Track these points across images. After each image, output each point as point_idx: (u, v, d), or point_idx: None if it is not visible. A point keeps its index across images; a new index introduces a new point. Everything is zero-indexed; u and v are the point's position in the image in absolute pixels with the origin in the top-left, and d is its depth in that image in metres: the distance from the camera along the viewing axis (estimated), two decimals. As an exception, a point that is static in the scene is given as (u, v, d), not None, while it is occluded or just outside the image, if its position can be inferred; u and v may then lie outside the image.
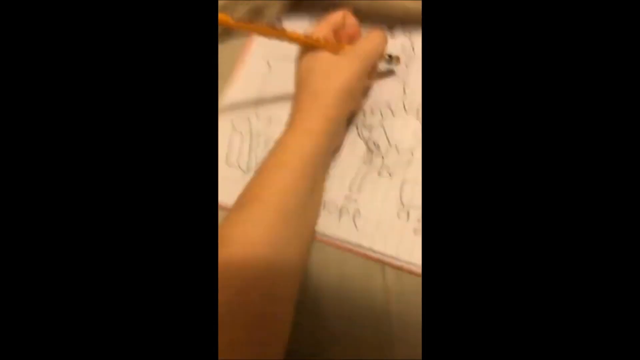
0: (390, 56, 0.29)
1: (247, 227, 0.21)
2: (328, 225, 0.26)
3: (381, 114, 0.29)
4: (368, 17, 0.32)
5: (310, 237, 0.25)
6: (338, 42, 0.27)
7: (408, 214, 0.25)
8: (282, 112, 0.31)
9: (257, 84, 0.33)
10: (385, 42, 0.28)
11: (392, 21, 0.31)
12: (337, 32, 0.27)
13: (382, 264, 0.25)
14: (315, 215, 0.26)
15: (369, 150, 0.28)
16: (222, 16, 0.23)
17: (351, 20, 0.28)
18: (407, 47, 0.30)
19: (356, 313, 0.25)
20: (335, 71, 0.25)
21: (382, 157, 0.27)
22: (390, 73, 0.30)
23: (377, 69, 0.29)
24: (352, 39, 0.28)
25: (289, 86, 0.32)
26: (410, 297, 0.24)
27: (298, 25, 0.34)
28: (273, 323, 0.21)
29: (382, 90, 0.29)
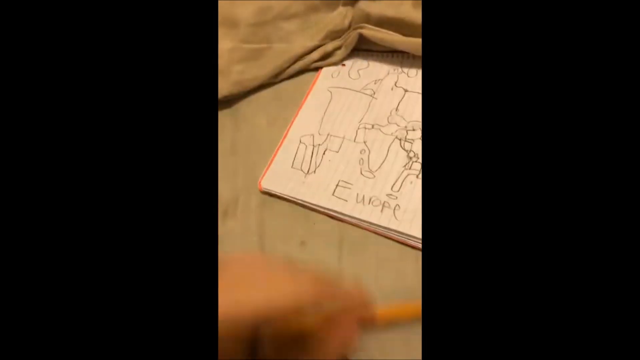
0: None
1: None
2: (372, 215, 0.32)
3: (420, 131, 0.35)
4: (414, 61, 0.40)
5: None
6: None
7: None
8: (338, 129, 0.39)
9: (321, 108, 0.41)
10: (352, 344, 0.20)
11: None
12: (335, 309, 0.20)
13: (417, 250, 0.30)
14: None
15: (409, 158, 0.34)
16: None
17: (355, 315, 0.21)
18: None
19: (391, 289, 0.29)
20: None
21: (421, 164, 0.33)
22: None
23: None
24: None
25: (344, 110, 0.40)
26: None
27: (358, 65, 0.43)
28: None
29: (418, 110, 0.36)
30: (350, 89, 0.41)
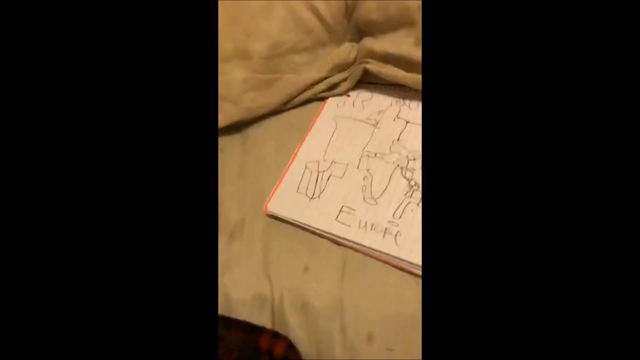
0: None
1: None
2: (375, 242, 0.33)
3: (421, 161, 0.37)
4: (417, 94, 0.42)
5: None
6: None
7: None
8: (342, 157, 0.41)
9: (327, 135, 0.43)
10: None
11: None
12: None
13: (416, 277, 0.31)
14: None
15: (410, 187, 0.35)
16: None
17: None
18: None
19: (390, 315, 0.30)
20: None
21: (422, 193, 0.35)
22: None
23: None
24: None
25: (349, 138, 0.42)
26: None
27: (362, 96, 0.45)
28: None
29: (419, 140, 0.38)
30: (354, 119, 0.43)
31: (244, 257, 0.37)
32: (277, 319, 0.33)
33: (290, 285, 0.34)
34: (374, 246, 0.33)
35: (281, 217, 0.38)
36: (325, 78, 0.45)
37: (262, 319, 0.33)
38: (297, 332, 0.32)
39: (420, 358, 0.28)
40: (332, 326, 0.31)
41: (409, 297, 0.30)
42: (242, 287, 0.35)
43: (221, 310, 0.34)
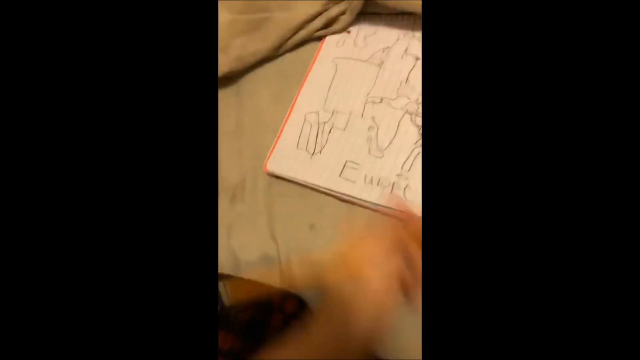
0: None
1: None
2: (382, 197, 0.31)
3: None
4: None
5: None
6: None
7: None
8: (344, 105, 0.37)
9: (326, 81, 0.39)
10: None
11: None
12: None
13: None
14: None
15: (420, 134, 0.32)
16: None
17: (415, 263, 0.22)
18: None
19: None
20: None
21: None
22: None
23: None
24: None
25: (351, 82, 0.38)
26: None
27: (364, 31, 0.39)
28: None
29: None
30: (356, 59, 0.38)
31: (248, 219, 0.36)
32: (286, 277, 0.33)
33: (296, 244, 0.33)
34: (381, 202, 0.30)
35: (282, 176, 0.36)
36: (321, 12, 0.39)
37: (270, 279, 0.33)
38: (306, 290, 0.32)
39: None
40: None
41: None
42: (249, 248, 0.35)
43: (230, 272, 0.35)
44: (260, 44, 0.41)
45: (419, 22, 0.37)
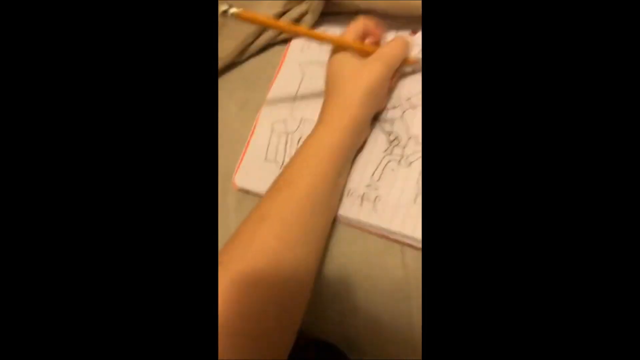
0: (413, 60, 0.31)
1: (282, 207, 0.25)
2: (351, 209, 0.29)
3: (402, 109, 0.31)
4: (393, 21, 0.35)
5: (330, 224, 0.28)
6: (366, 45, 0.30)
7: (424, 198, 0.27)
8: (313, 113, 0.35)
9: (292, 88, 0.37)
10: (408, 48, 0.30)
11: (416, 24, 0.34)
12: (361, 37, 0.30)
13: (400, 244, 0.28)
14: (337, 204, 0.29)
15: (390, 142, 0.30)
16: (247, 13, 0.24)
17: (371, 25, 0.31)
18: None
19: (377, 287, 0.28)
20: (361, 74, 0.27)
21: (403, 148, 0.30)
22: (414, 72, 0.32)
23: (400, 73, 0.32)
24: (375, 43, 0.31)
25: (318, 88, 0.36)
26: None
27: (330, 33, 0.38)
28: (301, 289, 0.25)
29: (403, 86, 0.32)
30: (323, 64, 0.36)
31: (219, 239, 0.34)
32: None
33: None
34: (350, 215, 0.29)
35: (251, 191, 0.34)
36: (283, 14, 0.37)
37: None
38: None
39: (407, 326, 0.27)
40: (317, 299, 0.29)
41: (394, 266, 0.28)
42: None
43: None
44: (221, 50, 0.38)
45: (384, 21, 0.35)
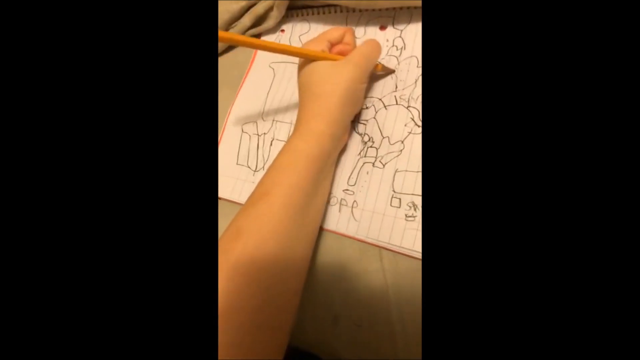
0: (384, 67, 0.30)
1: (258, 221, 0.23)
2: (329, 217, 0.29)
3: (374, 108, 0.30)
4: (361, 16, 0.33)
5: (315, 232, 0.27)
6: (334, 54, 0.28)
7: (400, 200, 0.27)
8: (284, 113, 0.34)
9: (263, 88, 0.35)
10: (379, 50, 0.29)
11: (384, 19, 0.33)
12: (333, 45, 0.29)
13: (379, 248, 0.27)
14: (319, 212, 0.27)
15: (364, 143, 0.30)
16: (224, 33, 0.24)
17: (350, 38, 0.29)
18: (399, 44, 0.31)
19: (356, 293, 0.28)
20: (337, 76, 0.26)
21: (377, 149, 0.29)
22: (386, 75, 0.31)
23: (372, 74, 0.30)
24: (346, 53, 0.29)
25: (290, 88, 0.35)
26: (406, 276, 0.26)
27: (298, 30, 0.36)
28: (280, 310, 0.23)
29: (375, 87, 0.31)
30: (294, 62, 0.35)
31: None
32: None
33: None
34: (330, 226, 0.28)
35: (224, 198, 0.33)
36: (247, 9, 0.35)
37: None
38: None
39: (388, 333, 0.27)
40: (298, 307, 0.28)
41: (373, 270, 0.28)
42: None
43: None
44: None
45: (353, 16, 0.34)
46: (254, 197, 0.25)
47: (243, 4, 0.35)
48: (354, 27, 0.33)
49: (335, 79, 0.26)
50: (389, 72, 0.30)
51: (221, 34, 0.24)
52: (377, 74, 0.31)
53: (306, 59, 0.28)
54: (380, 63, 0.30)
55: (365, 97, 0.31)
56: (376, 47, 0.29)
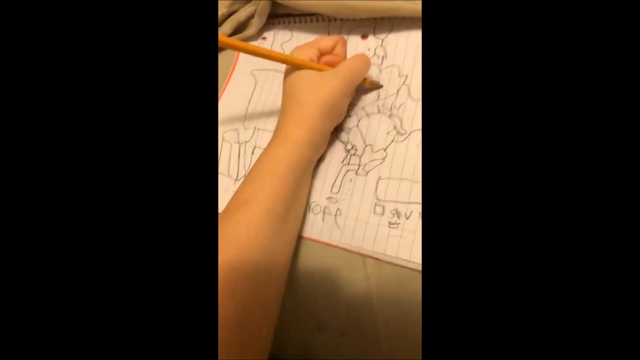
0: (372, 81, 0.30)
1: (237, 230, 0.23)
2: (313, 226, 0.28)
3: (357, 117, 0.31)
4: (343, 25, 0.34)
5: (294, 238, 0.27)
6: (322, 64, 0.28)
7: (383, 208, 0.27)
8: (266, 121, 0.33)
9: (244, 95, 0.35)
10: (368, 65, 0.29)
11: (366, 28, 0.33)
12: (323, 54, 0.29)
13: (364, 257, 0.27)
14: (298, 218, 0.27)
15: (347, 151, 0.30)
16: (224, 38, 0.24)
17: (341, 49, 0.29)
18: (380, 53, 0.32)
19: (340, 301, 0.27)
20: (321, 87, 0.26)
21: (359, 157, 0.29)
22: (374, 89, 0.31)
23: (359, 88, 0.30)
24: (335, 64, 0.29)
25: (272, 96, 0.34)
26: (390, 283, 0.26)
27: (280, 37, 0.36)
28: (260, 319, 0.23)
29: (358, 95, 0.31)
30: (275, 70, 0.34)
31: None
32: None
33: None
34: (313, 235, 0.28)
35: (204, 208, 0.32)
36: (228, 16, 0.35)
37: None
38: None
39: (373, 340, 0.27)
40: (280, 318, 0.28)
41: (357, 279, 0.27)
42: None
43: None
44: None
45: (334, 25, 0.34)
46: (231, 206, 0.25)
47: (224, 10, 0.34)
48: (345, 36, 0.33)
49: (319, 90, 0.26)
50: (377, 87, 0.30)
51: (221, 38, 0.23)
52: (365, 88, 0.31)
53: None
54: (368, 77, 0.30)
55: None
56: (365, 62, 0.29)
